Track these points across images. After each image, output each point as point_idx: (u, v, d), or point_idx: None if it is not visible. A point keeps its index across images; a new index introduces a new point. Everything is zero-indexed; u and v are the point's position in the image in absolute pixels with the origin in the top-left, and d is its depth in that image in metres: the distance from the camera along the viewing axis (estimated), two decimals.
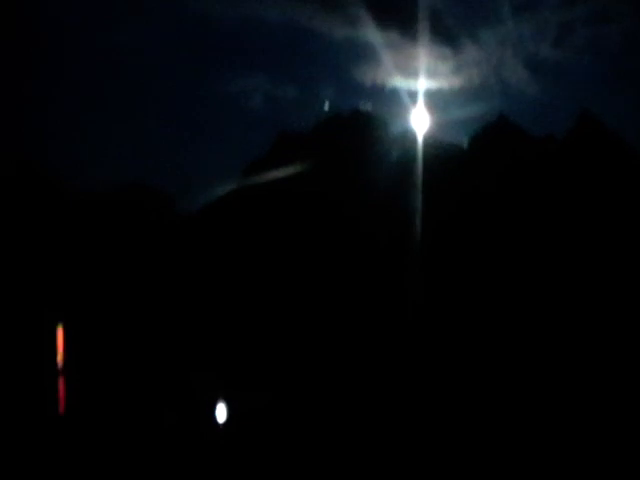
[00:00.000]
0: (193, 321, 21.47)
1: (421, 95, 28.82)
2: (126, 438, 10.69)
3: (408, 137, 30.05)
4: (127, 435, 10.87)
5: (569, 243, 27.28)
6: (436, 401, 12.44)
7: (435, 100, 28.66)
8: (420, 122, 27.13)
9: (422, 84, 30.12)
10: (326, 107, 35.23)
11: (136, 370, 15.76)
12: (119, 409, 12.46)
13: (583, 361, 15.54)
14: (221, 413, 11.05)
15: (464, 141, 34.46)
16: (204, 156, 36.90)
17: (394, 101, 29.06)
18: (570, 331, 18.87)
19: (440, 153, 30.27)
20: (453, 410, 11.88)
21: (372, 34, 29.76)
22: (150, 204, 28.02)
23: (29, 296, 19.68)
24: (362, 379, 14.45)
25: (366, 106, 35.22)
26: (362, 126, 34.44)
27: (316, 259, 27.81)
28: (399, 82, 29.03)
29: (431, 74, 32.37)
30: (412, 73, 30.15)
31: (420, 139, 27.26)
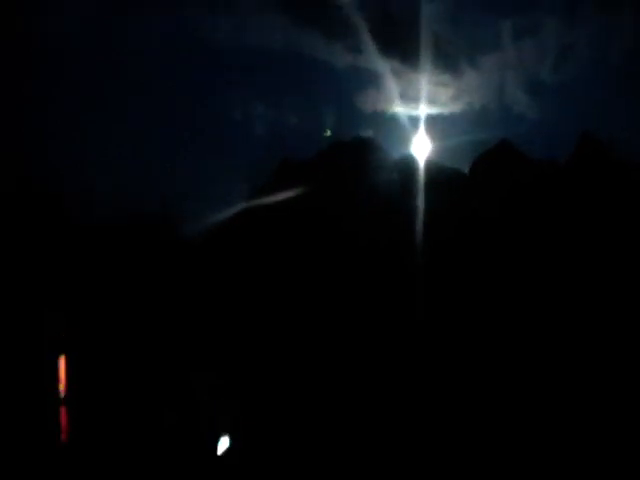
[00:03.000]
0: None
1: (422, 121, 28.99)
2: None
3: (409, 163, 30.18)
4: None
5: (572, 265, 27.24)
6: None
7: (436, 126, 28.75)
8: (421, 148, 27.29)
9: (423, 110, 30.34)
10: (328, 134, 35.44)
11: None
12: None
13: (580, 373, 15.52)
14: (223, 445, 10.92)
15: (465, 166, 34.60)
16: (206, 181, 36.87)
17: (395, 128, 29.18)
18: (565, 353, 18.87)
19: (441, 179, 30.37)
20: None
21: (373, 62, 29.97)
22: (152, 226, 28.08)
23: (28, 317, 19.62)
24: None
25: (367, 133, 35.45)
26: (364, 152, 34.61)
27: (317, 278, 27.86)
28: (400, 109, 29.14)
29: (432, 100, 32.49)
30: (413, 100, 30.31)
31: (421, 165, 27.38)
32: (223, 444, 10.72)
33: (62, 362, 16.76)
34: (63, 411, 14.82)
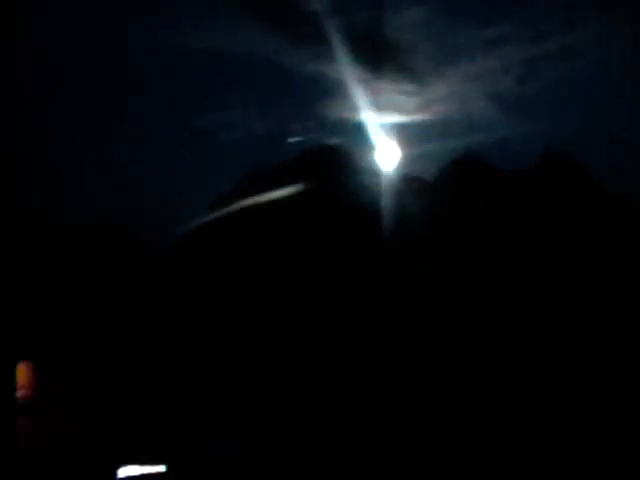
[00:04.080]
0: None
1: (388, 130, 29.10)
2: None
3: (375, 171, 30.26)
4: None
5: (534, 281, 27.55)
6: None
7: (402, 135, 28.90)
8: (387, 157, 27.40)
9: (389, 119, 30.46)
10: (294, 142, 35.41)
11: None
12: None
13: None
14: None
15: (431, 176, 34.86)
16: (172, 191, 36.66)
17: (362, 136, 29.23)
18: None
19: (407, 187, 30.51)
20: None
21: (341, 70, 29.97)
22: (116, 239, 27.79)
23: None
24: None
25: (334, 141, 35.50)
26: (330, 161, 34.67)
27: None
28: (367, 117, 29.26)
29: (398, 110, 32.73)
30: (380, 109, 30.43)
31: (387, 173, 27.48)
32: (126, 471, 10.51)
33: (22, 368, 16.49)
34: (21, 417, 14.60)
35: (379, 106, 30.57)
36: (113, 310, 21.56)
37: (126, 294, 23.44)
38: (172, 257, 29.47)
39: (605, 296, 25.02)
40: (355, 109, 29.82)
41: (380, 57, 32.32)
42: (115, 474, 10.49)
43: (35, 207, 25.80)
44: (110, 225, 28.27)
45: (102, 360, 18.02)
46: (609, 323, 22.89)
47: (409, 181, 31.65)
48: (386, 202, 26.90)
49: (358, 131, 31.20)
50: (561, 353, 20.40)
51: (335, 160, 34.47)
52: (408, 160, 28.41)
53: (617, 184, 30.50)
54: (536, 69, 37.49)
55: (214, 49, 37.58)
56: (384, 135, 28.37)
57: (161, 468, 10.57)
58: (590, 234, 28.62)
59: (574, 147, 31.14)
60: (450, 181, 33.31)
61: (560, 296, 25.77)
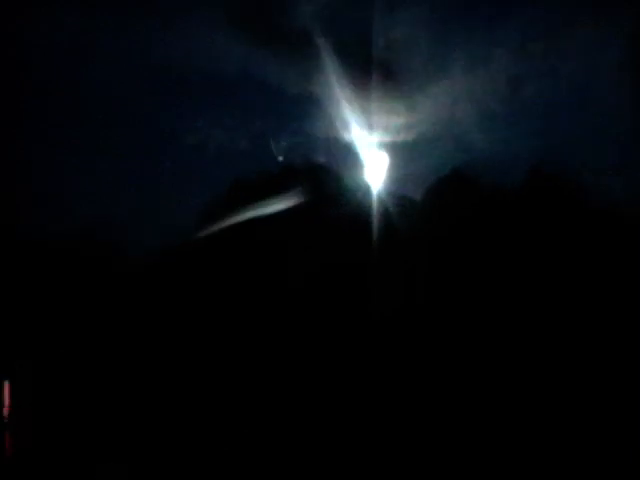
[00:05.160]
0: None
1: (375, 149, 29.11)
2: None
3: (362, 191, 30.12)
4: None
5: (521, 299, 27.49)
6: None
7: (389, 154, 28.91)
8: (374, 176, 27.39)
9: (376, 138, 30.51)
10: (280, 160, 35.30)
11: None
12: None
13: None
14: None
15: (417, 195, 34.83)
16: (155, 207, 36.09)
17: (348, 155, 29.16)
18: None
19: (394, 207, 30.42)
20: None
21: (327, 88, 30.01)
22: (95, 254, 27.32)
23: None
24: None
25: (320, 159, 35.44)
26: (316, 180, 34.58)
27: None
28: (354, 135, 29.29)
29: (386, 128, 32.77)
30: (366, 127, 30.52)
31: (374, 193, 27.38)
32: None
33: (6, 387, 16.09)
34: (6, 436, 14.26)
35: (367, 124, 30.51)
36: (91, 323, 21.23)
37: (104, 310, 23.12)
38: (152, 273, 29.08)
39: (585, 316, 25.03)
40: (342, 127, 29.73)
41: (368, 75, 32.46)
42: None
43: (16, 218, 25.31)
44: (88, 236, 27.82)
45: (79, 374, 17.70)
46: (592, 339, 22.88)
47: (396, 200, 31.47)
48: (373, 221, 26.74)
49: (345, 149, 31.04)
50: (543, 372, 20.32)
51: (321, 179, 34.44)
52: (395, 178, 28.39)
53: (612, 197, 30.60)
54: (527, 86, 37.78)
55: (198, 65, 37.45)
56: (371, 153, 28.26)
57: None
58: (578, 252, 28.72)
59: (566, 163, 31.28)
60: (438, 199, 33.36)
61: (545, 315, 25.71)
